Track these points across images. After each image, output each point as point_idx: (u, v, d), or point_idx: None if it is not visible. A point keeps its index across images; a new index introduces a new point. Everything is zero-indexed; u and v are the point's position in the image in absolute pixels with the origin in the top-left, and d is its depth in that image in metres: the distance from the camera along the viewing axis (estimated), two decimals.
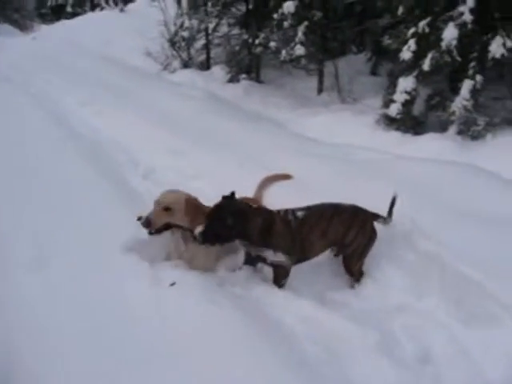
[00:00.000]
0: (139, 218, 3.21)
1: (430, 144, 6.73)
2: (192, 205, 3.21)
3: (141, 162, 5.44)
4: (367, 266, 3.35)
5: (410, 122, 7.50)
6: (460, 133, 6.88)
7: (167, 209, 3.15)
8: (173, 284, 2.79)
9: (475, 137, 6.70)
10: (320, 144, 6.17)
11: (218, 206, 2.91)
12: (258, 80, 11.74)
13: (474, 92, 6.57)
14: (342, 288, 3.25)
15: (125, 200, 3.98)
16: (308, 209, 3.14)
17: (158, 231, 3.18)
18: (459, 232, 3.44)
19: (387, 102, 7.65)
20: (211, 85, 10.77)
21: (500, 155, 6.06)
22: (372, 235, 3.21)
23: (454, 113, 6.78)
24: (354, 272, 3.25)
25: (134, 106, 7.10)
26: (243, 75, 11.47)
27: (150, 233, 3.17)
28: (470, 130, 6.72)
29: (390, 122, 7.55)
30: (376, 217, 3.27)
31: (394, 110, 7.41)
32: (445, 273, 3.08)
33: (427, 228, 3.45)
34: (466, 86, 6.60)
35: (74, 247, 3.24)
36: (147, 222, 3.10)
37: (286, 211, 3.09)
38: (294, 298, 2.94)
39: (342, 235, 3.12)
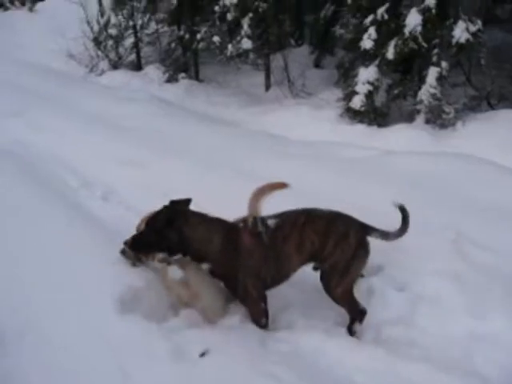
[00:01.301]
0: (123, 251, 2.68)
1: (401, 135, 6.45)
2: None
3: (95, 180, 4.51)
4: (414, 284, 2.82)
5: (374, 114, 7.16)
6: (428, 122, 6.65)
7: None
8: (204, 354, 2.03)
9: (444, 125, 6.49)
10: (293, 143, 5.60)
11: (156, 212, 2.42)
12: (197, 79, 10.96)
13: (441, 79, 6.35)
14: (391, 318, 2.68)
15: (98, 236, 3.11)
16: (279, 216, 2.57)
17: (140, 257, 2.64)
18: (501, 234, 3.02)
19: (349, 94, 7.26)
20: (149, 86, 9.81)
21: (472, 142, 5.88)
22: (358, 252, 2.53)
23: (421, 101, 6.52)
24: (337, 297, 2.55)
25: (71, 115, 6.06)
26: (182, 74, 10.62)
27: (133, 264, 2.67)
28: (438, 119, 6.49)
29: (353, 114, 7.16)
30: (368, 230, 2.61)
31: (357, 102, 7.05)
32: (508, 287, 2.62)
33: (470, 233, 2.98)
34: (432, 73, 6.37)
35: (52, 318, 2.34)
36: (128, 245, 2.55)
37: (254, 220, 2.51)
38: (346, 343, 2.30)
39: (319, 247, 2.49)
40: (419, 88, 6.77)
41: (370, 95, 7.01)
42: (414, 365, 2.19)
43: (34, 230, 3.10)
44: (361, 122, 7.22)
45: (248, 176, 4.28)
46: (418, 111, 6.78)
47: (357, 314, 2.59)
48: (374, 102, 7.15)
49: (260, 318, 2.50)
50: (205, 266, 2.47)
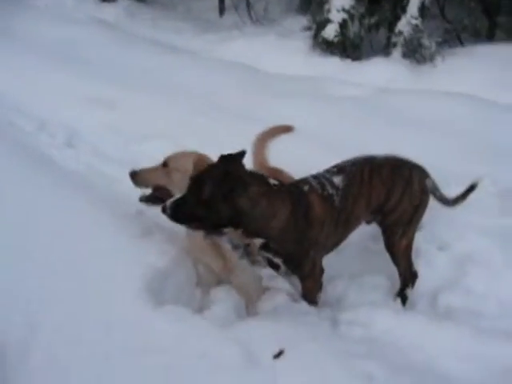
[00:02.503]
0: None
1: (378, 70, 6.06)
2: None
3: (56, 123, 3.72)
4: (458, 242, 2.58)
5: (348, 46, 6.67)
6: (405, 56, 6.30)
7: (165, 165, 2.16)
8: (280, 354, 1.63)
9: (423, 60, 6.18)
10: (277, 77, 5.02)
11: (206, 170, 1.86)
12: None
13: (423, 9, 5.95)
14: (441, 282, 2.43)
15: (80, 196, 2.48)
16: (341, 170, 2.12)
17: (152, 199, 2.20)
18: None
19: (321, 23, 6.65)
20: (84, 6, 8.44)
21: (455, 79, 5.65)
22: (423, 198, 2.24)
23: (400, 33, 6.12)
24: (400, 252, 2.27)
25: (6, 43, 4.95)
26: None
27: (141, 200, 2.24)
28: (417, 53, 6.16)
29: (326, 46, 6.61)
30: (426, 176, 2.29)
31: (330, 31, 6.49)
32: None
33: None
34: (414, 2, 5.93)
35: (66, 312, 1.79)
36: (132, 173, 2.21)
37: (319, 180, 2.05)
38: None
39: (385, 198, 2.16)
40: (396, 18, 6.34)
41: (344, 25, 6.46)
42: (498, 341, 1.96)
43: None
44: (333, 54, 6.70)
45: (244, 118, 3.77)
46: (395, 44, 6.39)
47: (410, 275, 2.34)
48: (347, 33, 6.62)
49: (317, 294, 2.15)
50: (257, 241, 2.00)
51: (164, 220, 1.96)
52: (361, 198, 2.10)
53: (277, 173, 2.72)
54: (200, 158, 2.17)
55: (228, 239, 2.09)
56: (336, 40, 6.55)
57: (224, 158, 1.83)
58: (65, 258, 2.02)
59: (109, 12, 8.55)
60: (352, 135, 3.60)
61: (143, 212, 2.52)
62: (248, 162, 3.29)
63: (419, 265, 2.49)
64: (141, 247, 2.13)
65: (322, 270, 2.13)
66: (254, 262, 2.23)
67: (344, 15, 6.44)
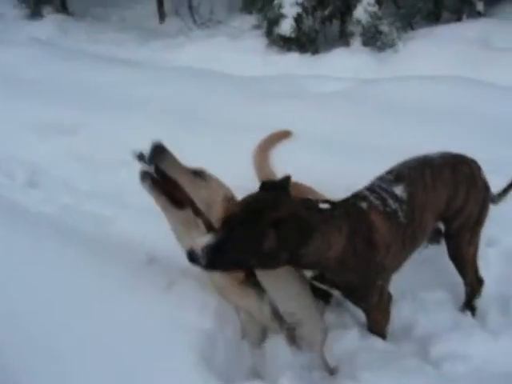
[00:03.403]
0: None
1: (344, 61, 5.84)
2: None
3: (10, 159, 3.14)
4: (505, 237, 2.35)
5: (305, 40, 6.43)
6: (366, 45, 6.14)
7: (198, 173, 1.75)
8: None
9: (383, 47, 6.05)
10: (248, 80, 4.64)
11: (252, 203, 1.47)
12: (67, 12, 8.92)
13: None
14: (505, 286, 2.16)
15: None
16: (400, 178, 1.78)
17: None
18: None
19: (273, 20, 6.36)
20: (12, 27, 7.68)
21: (421, 63, 5.55)
22: (487, 195, 1.97)
23: (359, 22, 5.95)
24: (468, 259, 1.98)
25: None
26: (46, 8, 8.52)
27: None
28: (377, 41, 6.01)
29: (283, 42, 6.34)
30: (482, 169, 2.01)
31: (286, 27, 6.20)
32: None
33: None
34: None
35: None
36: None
37: (378, 193, 1.71)
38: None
39: (447, 203, 1.86)
40: (347, 9, 6.17)
41: (300, 19, 6.21)
42: None
43: None
44: (290, 50, 6.44)
45: (232, 127, 3.37)
46: (352, 34, 6.22)
47: (477, 282, 2.03)
48: (303, 27, 6.37)
49: (387, 325, 1.80)
50: (308, 273, 1.64)
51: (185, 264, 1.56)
52: (427, 207, 1.77)
53: (299, 189, 2.36)
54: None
55: None
56: (293, 35, 6.28)
57: (267, 185, 1.47)
58: (85, 336, 1.54)
59: (40, 30, 7.84)
60: (350, 131, 3.31)
61: (155, 257, 2.08)
62: (250, 176, 2.96)
63: None
64: (171, 304, 1.70)
65: (390, 297, 1.78)
66: None
67: (298, 9, 6.18)
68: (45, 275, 1.86)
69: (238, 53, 6.41)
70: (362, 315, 1.86)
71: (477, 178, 1.89)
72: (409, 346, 1.74)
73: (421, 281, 2.17)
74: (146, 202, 2.81)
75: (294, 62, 6.19)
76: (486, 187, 1.94)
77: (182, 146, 3.11)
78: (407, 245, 1.74)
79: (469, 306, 2.03)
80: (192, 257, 1.38)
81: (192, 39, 7.18)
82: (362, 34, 6.16)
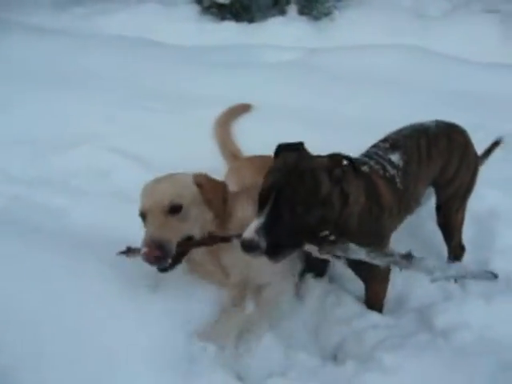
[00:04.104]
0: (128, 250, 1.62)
1: (282, 30, 5.74)
2: (213, 187, 1.69)
3: None
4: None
5: (239, 8, 6.21)
6: (302, 13, 6.06)
7: (176, 209, 1.56)
8: None
9: (319, 17, 6.01)
10: (194, 50, 4.39)
11: (291, 167, 1.37)
12: None
13: None
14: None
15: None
16: (396, 146, 1.79)
17: (177, 261, 1.56)
18: None
19: None
20: None
21: (359, 31, 5.60)
22: (477, 163, 2.04)
23: None
24: (456, 225, 2.05)
25: None
26: None
27: (163, 269, 1.54)
28: (314, 9, 5.96)
29: (218, 10, 6.07)
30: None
31: None
32: None
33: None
34: None
35: None
36: (161, 250, 1.45)
37: (377, 160, 1.72)
38: None
39: (442, 170, 1.91)
40: None
41: None
42: None
43: None
44: (225, 18, 6.19)
45: (186, 100, 3.18)
46: (288, 2, 6.10)
47: (460, 249, 2.11)
48: None
49: (384, 297, 1.80)
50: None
51: None
52: (421, 175, 1.78)
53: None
54: (195, 176, 1.67)
55: None
56: (227, 2, 6.03)
57: (290, 147, 1.45)
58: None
59: None
60: (308, 101, 3.27)
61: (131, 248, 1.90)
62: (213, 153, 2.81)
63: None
64: (171, 300, 1.55)
65: (389, 268, 1.78)
66: None
67: None
68: (12, 284, 1.62)
69: (170, 21, 6.04)
70: (357, 292, 1.85)
71: (469, 147, 1.93)
72: (408, 318, 1.75)
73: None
74: (101, 187, 2.62)
75: (230, 30, 5.96)
76: (476, 156, 1.99)
77: (131, 124, 2.91)
78: (402, 210, 1.75)
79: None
80: (249, 247, 1.23)
81: (119, 5, 6.63)
82: (297, 2, 6.07)
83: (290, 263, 1.80)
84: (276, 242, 1.26)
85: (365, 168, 1.62)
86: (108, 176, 2.65)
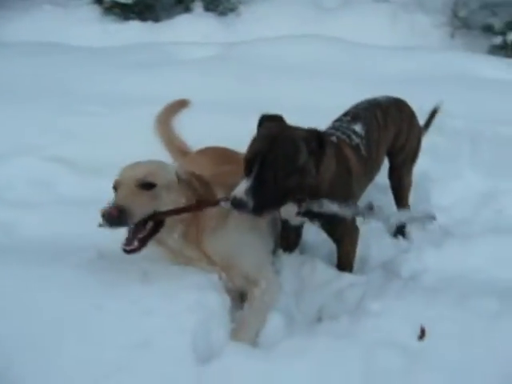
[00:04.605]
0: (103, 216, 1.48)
1: (192, 27, 5.79)
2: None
3: None
4: None
5: (143, 7, 6.13)
6: (207, 10, 6.15)
7: (148, 185, 1.57)
8: (423, 333, 1.43)
9: (225, 12, 6.15)
10: (105, 50, 4.26)
11: (275, 134, 1.51)
12: None
13: None
14: None
15: None
16: (357, 117, 1.96)
17: (144, 241, 1.57)
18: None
19: None
20: None
21: (263, 25, 5.85)
22: (420, 132, 2.31)
23: None
24: (407, 186, 2.30)
25: None
26: None
27: (127, 250, 1.54)
28: (220, 5, 6.07)
29: (122, 10, 5.94)
30: None
31: None
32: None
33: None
34: None
35: None
36: (120, 213, 1.46)
37: (342, 130, 1.87)
38: None
39: (394, 139, 2.13)
40: None
41: None
42: None
43: None
44: (128, 18, 6.08)
45: (122, 101, 3.11)
46: None
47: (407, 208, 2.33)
48: None
49: (355, 256, 1.95)
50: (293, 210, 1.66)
51: None
52: (381, 143, 1.98)
53: (219, 152, 2.35)
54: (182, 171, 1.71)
55: None
56: (131, 2, 5.91)
57: (271, 118, 1.59)
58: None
59: None
60: (237, 92, 3.37)
61: (103, 253, 1.86)
62: (156, 150, 2.79)
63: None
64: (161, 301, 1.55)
65: (357, 227, 1.93)
66: None
67: None
68: None
69: (72, 24, 5.83)
70: (327, 260, 2.00)
71: (414, 117, 2.18)
72: (376, 274, 1.93)
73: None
74: (45, 197, 2.49)
75: (136, 30, 5.88)
76: (419, 125, 2.24)
77: (71, 129, 2.80)
78: (367, 176, 1.93)
79: (402, 231, 2.31)
80: (239, 204, 1.38)
81: (17, 12, 6.14)
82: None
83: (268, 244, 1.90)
84: (261, 201, 1.41)
85: (333, 138, 1.77)
86: (50, 186, 2.54)
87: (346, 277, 1.87)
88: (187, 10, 6.23)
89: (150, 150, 2.62)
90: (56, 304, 1.51)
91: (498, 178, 2.68)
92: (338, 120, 1.96)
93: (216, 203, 1.59)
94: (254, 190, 1.39)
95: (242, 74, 3.66)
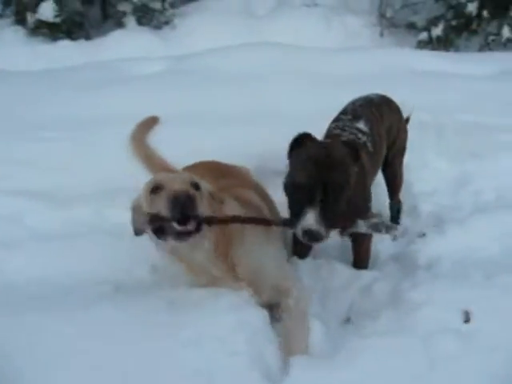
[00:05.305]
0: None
1: (128, 42, 5.60)
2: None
3: None
4: None
5: (71, 25, 5.85)
6: (141, 24, 5.99)
7: (196, 186, 1.50)
8: (468, 316, 1.46)
9: (159, 26, 6.03)
10: (52, 72, 3.99)
11: (324, 157, 1.47)
12: None
13: None
14: None
15: None
16: (358, 115, 1.97)
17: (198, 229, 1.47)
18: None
19: (29, 4, 5.54)
20: None
21: (199, 36, 5.81)
22: (406, 126, 2.36)
23: (131, 2, 5.75)
24: (399, 185, 2.36)
25: None
26: None
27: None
28: (153, 19, 5.94)
29: (49, 29, 5.63)
30: None
31: (47, 11, 5.50)
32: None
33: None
34: None
35: None
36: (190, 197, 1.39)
37: (349, 130, 1.87)
38: None
39: (387, 134, 2.14)
40: None
41: (61, 0, 5.56)
42: None
43: None
44: (57, 38, 5.76)
45: (76, 123, 2.94)
46: (124, 14, 5.95)
47: (399, 200, 2.39)
48: (67, 10, 5.74)
49: (369, 254, 1.97)
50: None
51: None
52: (382, 137, 2.01)
53: (209, 165, 2.27)
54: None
55: None
56: (58, 20, 5.60)
57: (306, 137, 1.54)
58: None
59: None
60: (196, 104, 3.28)
61: (119, 284, 1.73)
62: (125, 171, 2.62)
63: None
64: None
65: None
66: None
67: None
68: None
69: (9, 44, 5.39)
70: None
71: (401, 112, 2.23)
72: (392, 267, 1.96)
73: None
74: (18, 233, 2.26)
75: (69, 50, 5.59)
76: (404, 120, 2.30)
77: (31, 157, 2.57)
78: (375, 171, 1.98)
79: (397, 221, 2.38)
80: (315, 236, 1.38)
81: None
82: (133, 13, 5.97)
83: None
84: (330, 228, 1.41)
85: (343, 139, 1.76)
86: (18, 221, 2.31)
87: (367, 273, 1.87)
88: (119, 25, 6.02)
89: (118, 173, 2.50)
90: (99, 355, 1.35)
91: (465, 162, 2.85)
92: (339, 119, 1.96)
93: (273, 223, 1.65)
94: (323, 219, 1.38)
95: (196, 86, 3.58)
